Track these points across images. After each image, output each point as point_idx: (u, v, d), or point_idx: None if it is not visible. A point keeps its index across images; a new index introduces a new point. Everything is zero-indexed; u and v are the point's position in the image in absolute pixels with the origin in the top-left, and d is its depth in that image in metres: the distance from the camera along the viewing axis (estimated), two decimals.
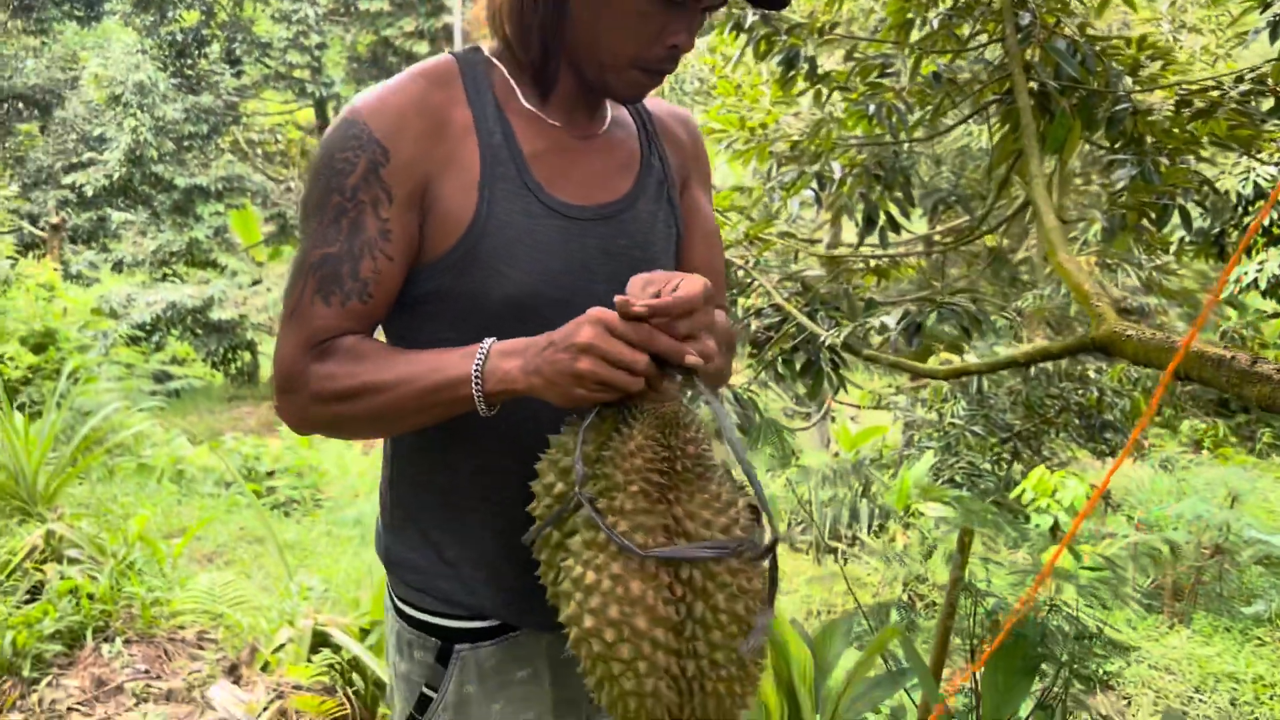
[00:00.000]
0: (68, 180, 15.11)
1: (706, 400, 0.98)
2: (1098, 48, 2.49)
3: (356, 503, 7.03)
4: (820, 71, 2.91)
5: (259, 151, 19.19)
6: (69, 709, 2.83)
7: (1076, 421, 3.98)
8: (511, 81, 1.16)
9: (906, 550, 6.19)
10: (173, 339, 13.61)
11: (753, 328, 2.86)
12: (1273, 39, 2.54)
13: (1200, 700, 4.55)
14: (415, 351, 1.07)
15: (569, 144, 1.17)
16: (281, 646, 3.02)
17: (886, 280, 3.42)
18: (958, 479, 4.33)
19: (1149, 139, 2.58)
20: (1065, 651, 2.42)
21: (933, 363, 2.76)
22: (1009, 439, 4.10)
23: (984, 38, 2.72)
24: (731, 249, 2.98)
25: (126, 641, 3.17)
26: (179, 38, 15.94)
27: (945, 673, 2.97)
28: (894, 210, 2.96)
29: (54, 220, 12.82)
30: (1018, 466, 4.36)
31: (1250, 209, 4.97)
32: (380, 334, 1.19)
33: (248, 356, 16.32)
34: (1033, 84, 2.43)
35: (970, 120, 3.13)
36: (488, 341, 1.02)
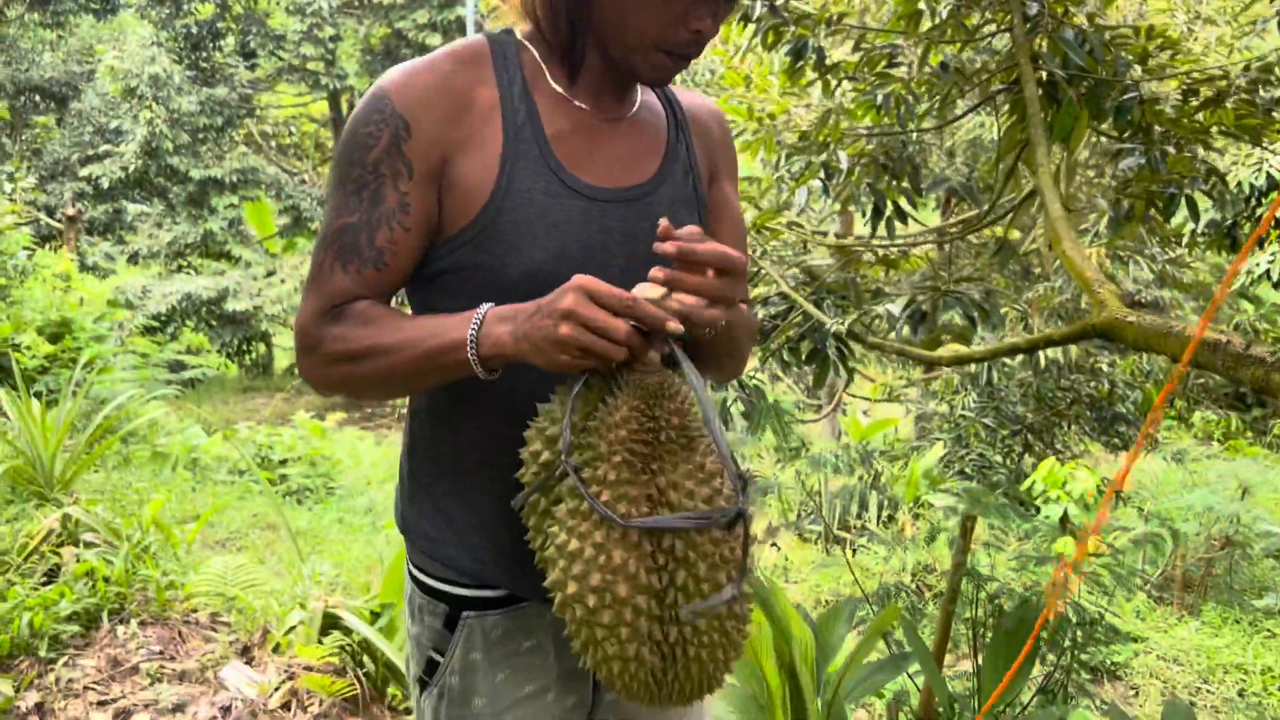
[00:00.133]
0: (84, 172, 15.23)
1: (683, 368, 0.99)
2: (1106, 37, 2.50)
3: (368, 491, 7.08)
4: (829, 62, 2.92)
5: (273, 144, 19.30)
6: (85, 688, 2.87)
7: (1088, 414, 3.98)
8: (541, 63, 1.18)
9: (914, 539, 6.20)
10: (187, 330, 13.71)
11: (759, 316, 2.88)
12: None
13: (1208, 691, 4.55)
14: (422, 317, 1.10)
15: (594, 126, 1.19)
16: (293, 628, 3.06)
17: (895, 271, 3.43)
18: (968, 471, 4.34)
19: (1157, 129, 2.58)
20: (1068, 638, 2.43)
21: (939, 353, 2.77)
22: (1020, 431, 4.11)
23: (992, 28, 2.72)
24: None
25: (141, 623, 3.22)
26: (194, 30, 16.02)
27: (948, 659, 2.99)
28: (901, 200, 2.97)
29: (70, 212, 12.90)
30: (1029, 459, 4.37)
31: (1263, 200, 4.94)
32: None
33: (262, 348, 16.43)
34: (1040, 74, 2.44)
35: (980, 111, 3.13)
36: (485, 307, 1.04)
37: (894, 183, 2.94)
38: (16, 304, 7.24)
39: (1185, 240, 4.44)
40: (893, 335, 2.68)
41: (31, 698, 2.79)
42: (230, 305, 14.10)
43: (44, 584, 3.33)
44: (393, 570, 3.15)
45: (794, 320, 2.81)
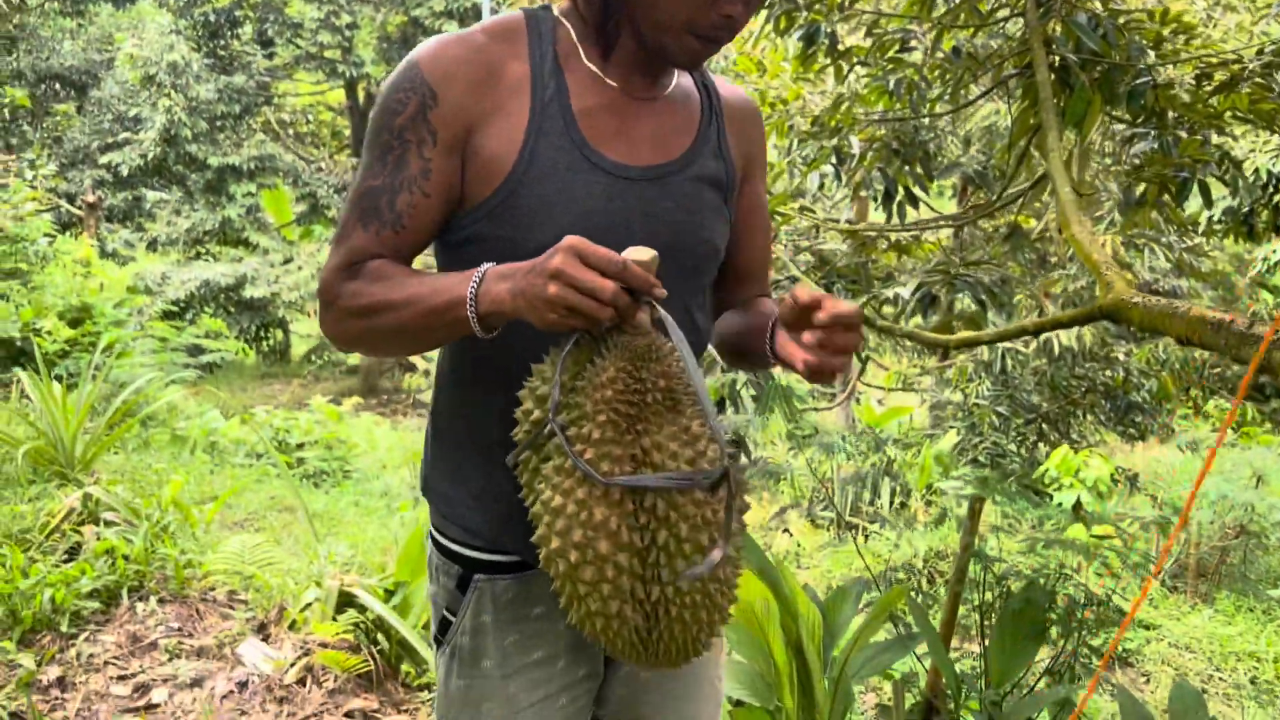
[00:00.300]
0: (104, 160, 15.34)
1: (669, 333, 1.00)
2: (1120, 21, 2.49)
3: (383, 475, 7.14)
4: (841, 47, 2.92)
5: (290, 131, 19.36)
6: (105, 663, 2.93)
7: (1103, 403, 3.97)
8: (575, 39, 1.20)
9: (926, 525, 6.21)
10: (206, 316, 13.81)
11: None
12: None
13: (1220, 678, 4.55)
14: (431, 275, 1.12)
15: (623, 104, 1.20)
16: (308, 606, 3.11)
17: (908, 256, 3.43)
18: (981, 459, 4.34)
19: (1170, 114, 2.57)
20: (1076, 618, 2.45)
21: (947, 337, 2.78)
22: (1034, 420, 4.10)
23: (1005, 12, 2.72)
24: None
25: (160, 600, 3.28)
26: (212, 18, 16.09)
27: (956, 641, 3.00)
28: (911, 185, 2.97)
29: (90, 199, 13.01)
30: (1043, 447, 4.36)
31: None
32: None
33: (279, 335, 16.53)
34: (1053, 58, 2.44)
35: (994, 97, 3.13)
36: (486, 266, 1.06)
37: (905, 167, 2.94)
38: (38, 289, 7.33)
39: (1202, 229, 4.41)
40: (903, 320, 2.70)
41: (53, 671, 2.84)
42: (248, 292, 14.19)
43: (65, 561, 3.39)
44: (407, 550, 3.19)
45: None
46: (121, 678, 2.88)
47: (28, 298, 7.11)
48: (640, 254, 1.00)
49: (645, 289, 0.99)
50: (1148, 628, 4.93)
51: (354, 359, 16.24)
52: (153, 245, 15.48)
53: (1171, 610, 5.35)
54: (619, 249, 0.99)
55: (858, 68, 2.98)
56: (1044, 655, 2.74)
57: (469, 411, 1.26)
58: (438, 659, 1.35)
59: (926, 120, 3.00)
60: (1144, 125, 2.60)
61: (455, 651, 1.30)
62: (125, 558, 3.36)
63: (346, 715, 2.76)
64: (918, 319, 2.77)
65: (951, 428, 5.64)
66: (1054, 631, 2.66)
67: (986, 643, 2.46)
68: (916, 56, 2.82)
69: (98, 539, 3.45)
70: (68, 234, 12.03)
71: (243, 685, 2.85)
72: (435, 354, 1.39)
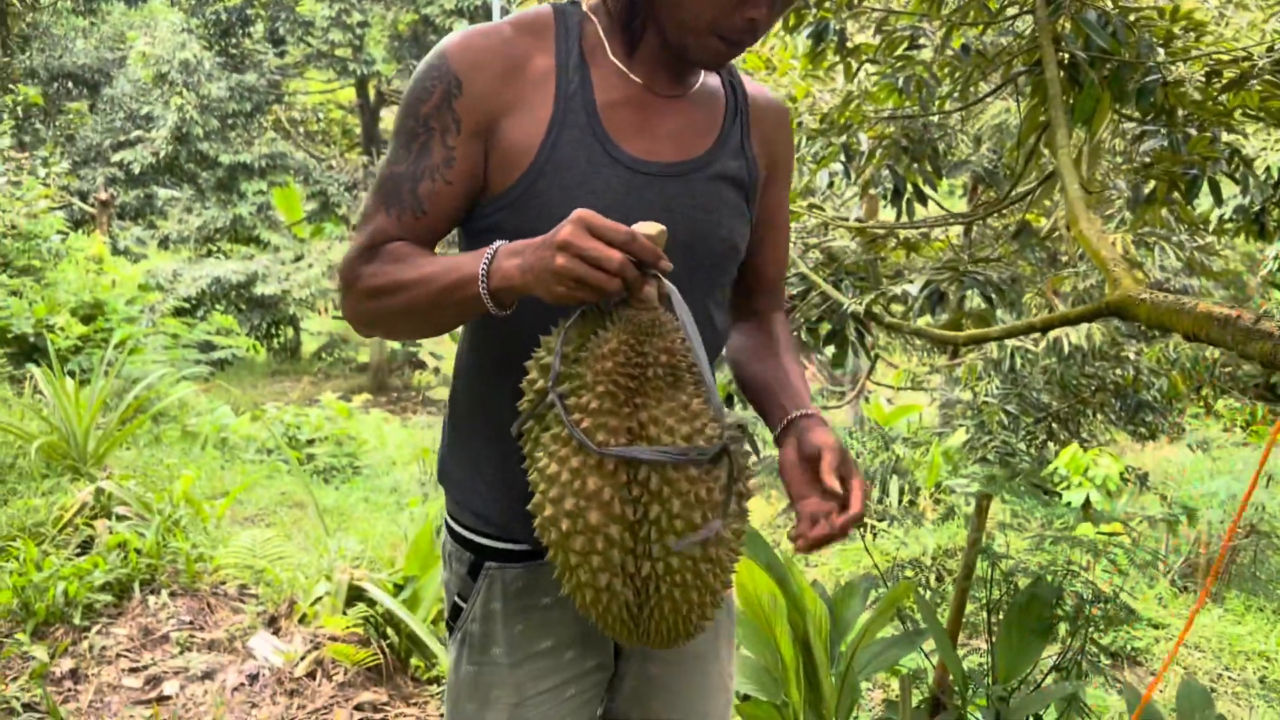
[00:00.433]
0: (116, 158, 15.43)
1: (675, 309, 1.01)
2: (1130, 18, 2.49)
3: (393, 471, 7.18)
4: (850, 45, 2.92)
5: (301, 130, 19.44)
6: (117, 655, 2.96)
7: (1113, 402, 3.96)
8: (602, 35, 1.21)
9: (934, 523, 6.20)
10: (217, 313, 13.88)
11: None
12: None
13: (1229, 677, 4.54)
14: (446, 255, 1.14)
15: (646, 101, 1.21)
16: (318, 600, 3.13)
17: (917, 254, 3.43)
18: (990, 458, 4.33)
19: (1180, 111, 2.57)
20: (1083, 615, 2.45)
21: (954, 333, 2.78)
22: (1043, 418, 4.09)
23: (1014, 9, 2.72)
24: None
25: (171, 594, 3.31)
26: (223, 17, 16.17)
27: (964, 638, 3.01)
28: (920, 182, 2.97)
29: (102, 197, 13.07)
30: (1052, 446, 4.35)
31: None
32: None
33: (290, 332, 16.61)
34: (1063, 55, 2.44)
35: (1002, 93, 3.12)
36: (497, 243, 1.07)
37: (914, 165, 2.94)
38: (51, 286, 7.39)
39: (1213, 227, 4.39)
40: (912, 317, 2.70)
41: (66, 663, 2.87)
42: (259, 289, 14.27)
43: (78, 555, 3.42)
44: (416, 545, 3.21)
45: (812, 301, 2.83)
46: (133, 670, 2.91)
47: (41, 294, 7.16)
48: (648, 228, 1.00)
49: (652, 261, 0.99)
50: (1156, 626, 4.92)
51: (363, 356, 16.28)
52: (164, 243, 15.56)
53: (1181, 609, 5.33)
54: None
55: (867, 65, 2.98)
56: (1051, 652, 2.74)
57: (487, 401, 1.27)
58: (449, 645, 1.36)
59: (936, 118, 3.00)
60: (1153, 123, 2.60)
61: (466, 638, 1.31)
62: (137, 551, 3.39)
63: (356, 708, 2.78)
64: (927, 316, 2.78)
65: (960, 426, 5.63)
66: (1061, 628, 2.67)
67: (994, 639, 2.47)
68: (926, 54, 2.82)
69: (110, 533, 3.48)
70: (80, 231, 12.09)
71: (253, 678, 2.87)
72: (449, 351, 1.40)
